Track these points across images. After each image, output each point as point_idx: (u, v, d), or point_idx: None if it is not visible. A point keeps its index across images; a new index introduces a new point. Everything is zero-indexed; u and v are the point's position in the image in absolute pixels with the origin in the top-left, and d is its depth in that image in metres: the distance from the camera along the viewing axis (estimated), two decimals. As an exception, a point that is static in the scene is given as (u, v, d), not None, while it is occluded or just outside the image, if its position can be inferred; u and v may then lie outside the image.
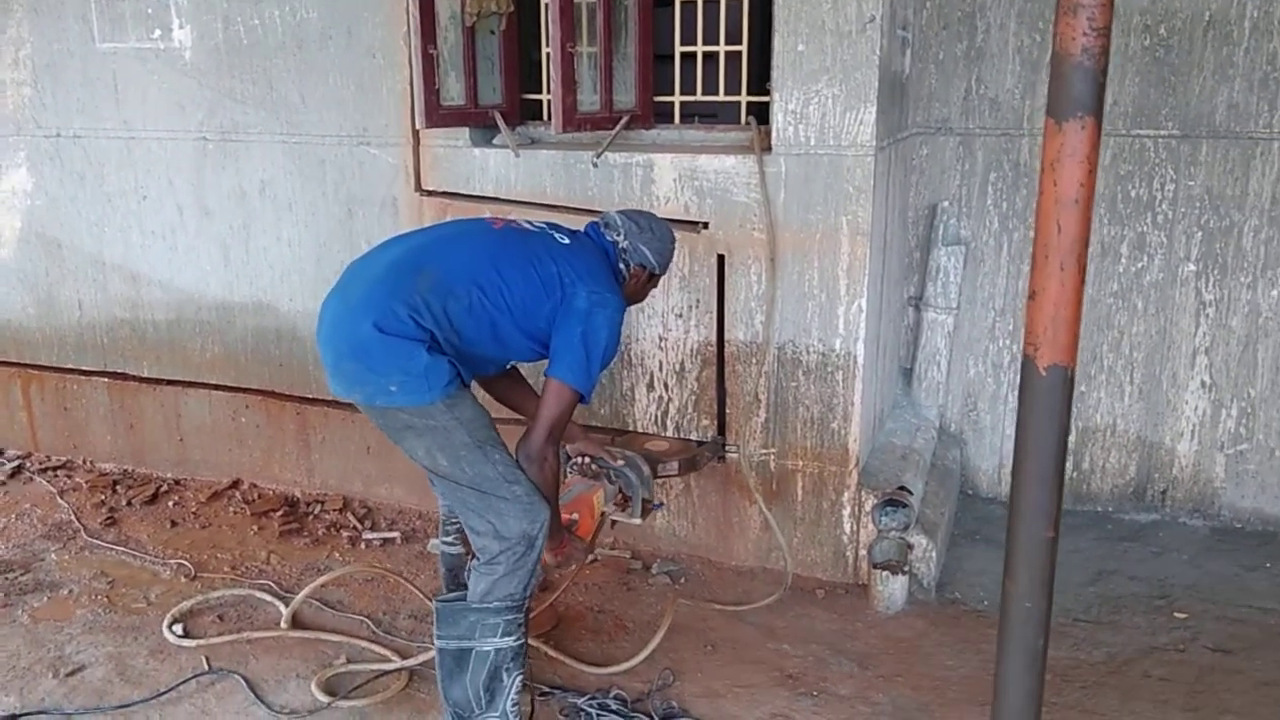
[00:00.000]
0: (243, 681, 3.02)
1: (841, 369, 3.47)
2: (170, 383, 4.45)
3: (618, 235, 2.87)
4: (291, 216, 4.07)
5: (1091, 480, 4.27)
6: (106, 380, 4.56)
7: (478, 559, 2.65)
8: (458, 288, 2.59)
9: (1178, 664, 3.20)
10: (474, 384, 2.87)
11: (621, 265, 2.89)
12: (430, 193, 3.84)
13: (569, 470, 3.26)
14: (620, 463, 3.22)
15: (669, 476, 3.60)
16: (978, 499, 4.40)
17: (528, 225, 2.84)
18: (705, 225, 3.49)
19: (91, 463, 4.63)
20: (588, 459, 3.22)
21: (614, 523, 3.54)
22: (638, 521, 3.29)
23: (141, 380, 4.50)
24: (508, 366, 2.91)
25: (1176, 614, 3.50)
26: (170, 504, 4.24)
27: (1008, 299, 4.20)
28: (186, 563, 3.72)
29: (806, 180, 3.34)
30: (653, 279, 2.98)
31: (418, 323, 2.52)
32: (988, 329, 4.25)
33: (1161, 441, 4.16)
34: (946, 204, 4.14)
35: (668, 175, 3.49)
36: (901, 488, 3.56)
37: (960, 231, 4.19)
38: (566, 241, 2.80)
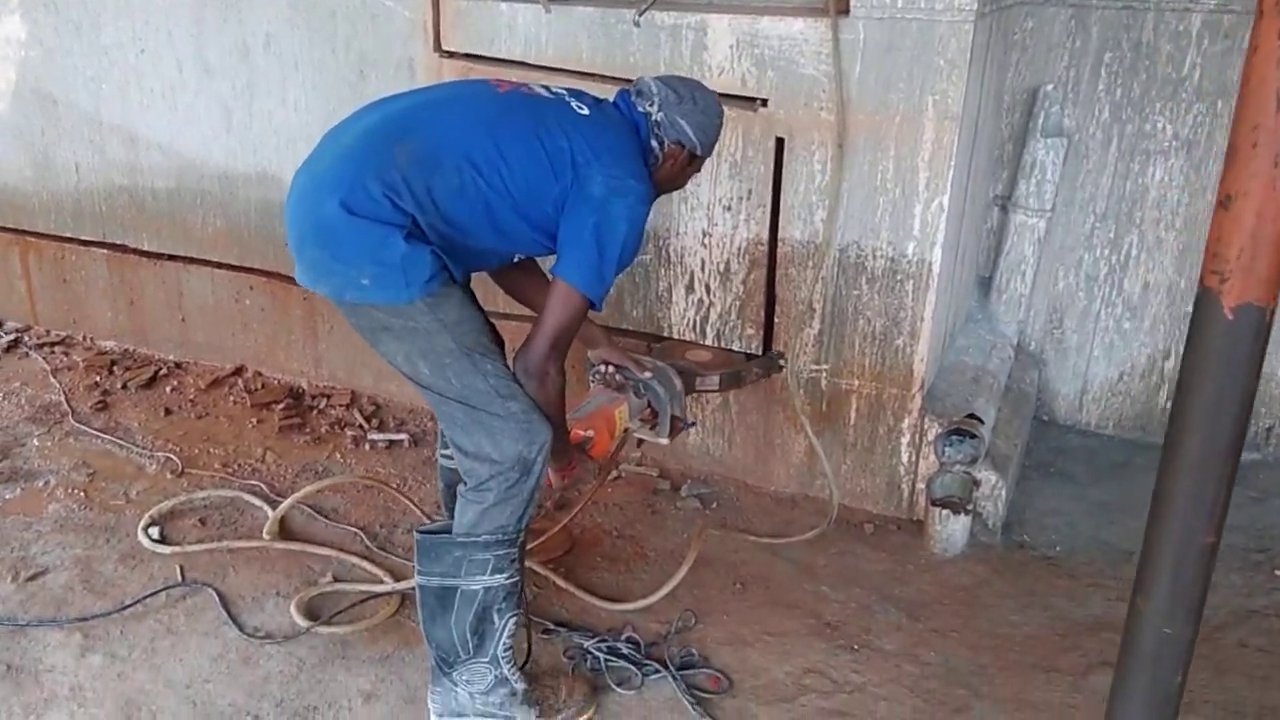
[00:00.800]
0: (216, 597, 2.73)
1: (913, 278, 2.98)
2: (171, 258, 4.09)
3: (650, 105, 2.38)
4: (298, 77, 3.61)
5: (1188, 414, 3.75)
6: (106, 252, 4.22)
7: (465, 484, 2.27)
8: (445, 162, 2.15)
9: (1278, 632, 2.76)
10: (479, 276, 2.45)
11: (654, 143, 2.41)
12: (451, 54, 3.35)
13: (591, 379, 2.86)
14: (648, 374, 2.80)
15: (707, 392, 3.18)
16: (1054, 426, 3.92)
17: (541, 90, 2.37)
18: (764, 102, 2.98)
19: (91, 339, 4.33)
20: (612, 368, 2.81)
21: (640, 441, 3.15)
22: (665, 442, 2.88)
23: (141, 254, 4.15)
24: (514, 260, 2.48)
25: (1277, 571, 3.04)
26: (168, 389, 3.93)
27: (1111, 201, 3.63)
28: (175, 456, 3.42)
29: (889, 50, 2.79)
30: (694, 161, 2.49)
31: (395, 204, 2.11)
32: (1084, 236, 3.70)
33: (1273, 373, 3.62)
34: (1050, 88, 3.54)
35: (723, 40, 2.96)
36: (971, 415, 3.10)
37: (1063, 121, 3.60)
38: (586, 112, 2.32)
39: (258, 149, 3.78)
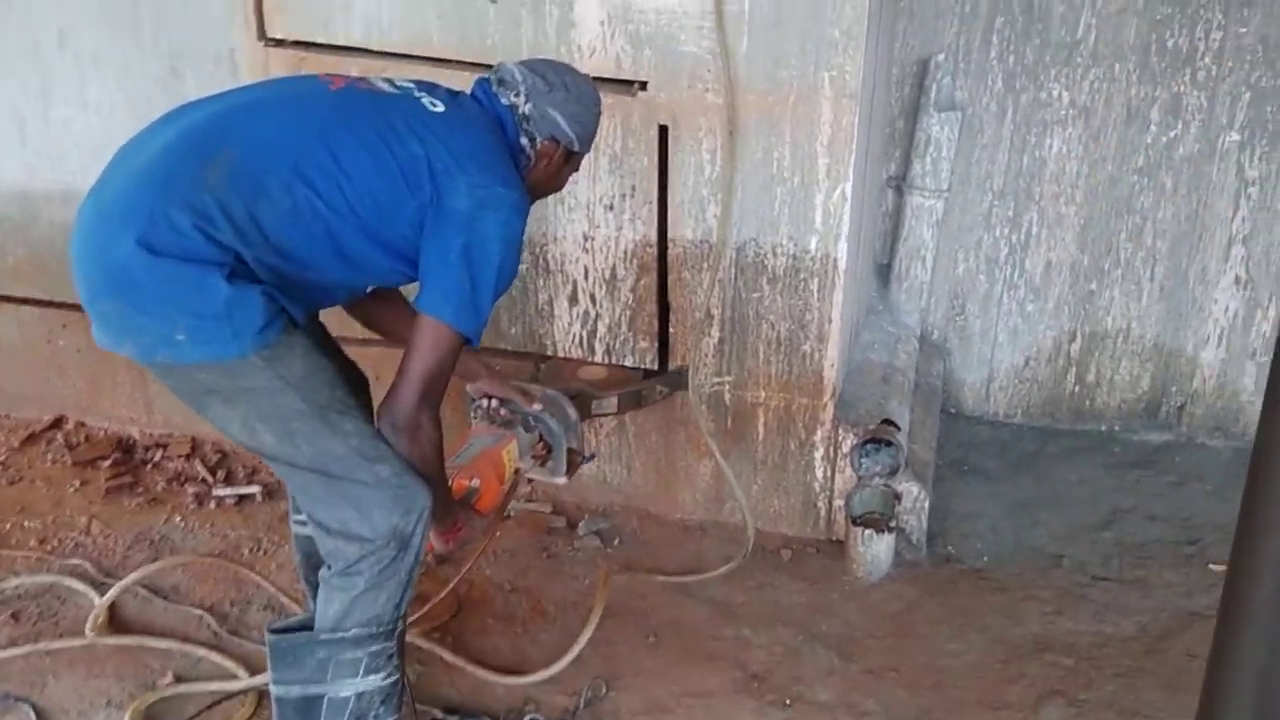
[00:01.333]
0: (32, 714, 2.25)
1: (817, 276, 2.70)
2: (-35, 294, 3.51)
3: (516, 96, 2.03)
4: (99, 76, 3.09)
5: (1097, 395, 3.61)
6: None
7: (328, 568, 1.88)
8: (270, 180, 1.77)
9: (1225, 635, 2.61)
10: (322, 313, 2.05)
11: (524, 140, 2.05)
12: (278, 42, 2.89)
13: (473, 415, 2.49)
14: (537, 406, 2.44)
15: (605, 416, 2.84)
16: (962, 418, 3.73)
17: (384, 85, 1.99)
18: (643, 85, 2.64)
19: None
20: (495, 402, 2.44)
21: (530, 480, 2.79)
22: (562, 481, 2.53)
23: (-71, 288, 3.55)
24: (367, 291, 2.09)
25: (1211, 565, 2.90)
26: (-27, 450, 3.36)
27: (1009, 177, 3.43)
28: (-22, 534, 2.89)
29: (778, 22, 2.48)
30: (571, 158, 2.15)
31: (209, 236, 1.71)
32: (983, 215, 3.50)
33: (1182, 349, 3.50)
34: (941, 58, 3.31)
35: (593, 16, 2.60)
36: (886, 421, 2.85)
37: (956, 94, 3.38)
38: (440, 108, 1.95)
39: (58, 162, 3.23)
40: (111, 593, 2.55)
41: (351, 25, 2.78)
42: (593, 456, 2.73)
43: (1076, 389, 3.62)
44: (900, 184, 3.49)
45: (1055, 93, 3.31)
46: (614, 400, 2.79)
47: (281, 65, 2.87)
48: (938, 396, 3.47)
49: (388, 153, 1.84)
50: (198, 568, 2.75)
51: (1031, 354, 3.60)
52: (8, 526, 2.95)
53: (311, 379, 1.84)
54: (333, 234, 1.83)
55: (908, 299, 3.55)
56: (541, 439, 2.48)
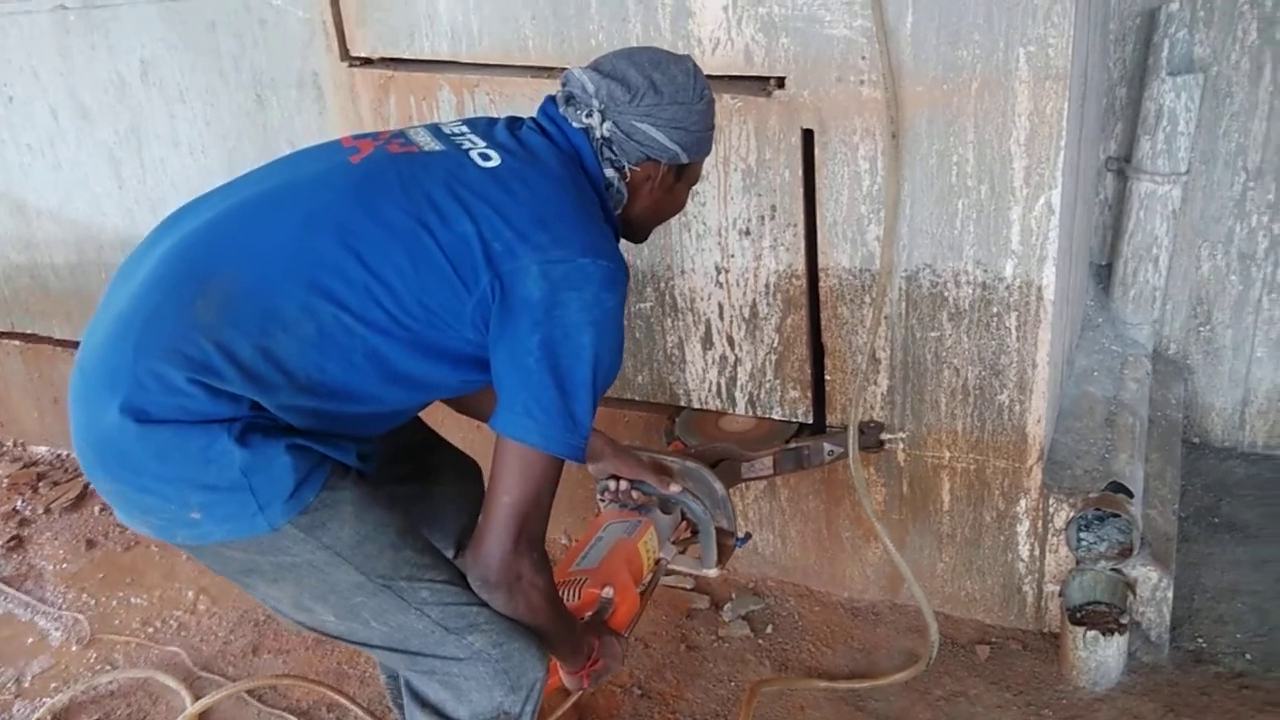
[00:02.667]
0: None
1: (1015, 309, 2.10)
2: (87, 344, 3.38)
3: (589, 117, 1.55)
4: (186, 111, 2.83)
5: (1396, 422, 2.81)
6: (18, 343, 3.52)
7: None
8: (283, 304, 1.38)
9: None
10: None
11: (610, 172, 1.59)
12: (364, 61, 2.53)
13: (600, 499, 2.05)
14: (675, 487, 1.98)
15: (759, 479, 2.35)
16: (1208, 450, 3.00)
17: (423, 140, 1.55)
18: (780, 82, 2.10)
19: (22, 445, 3.64)
20: (625, 484, 1.99)
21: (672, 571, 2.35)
22: (714, 573, 2.07)
23: (56, 343, 3.45)
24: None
25: None
26: (96, 509, 3.21)
27: (1268, 153, 2.67)
28: (83, 617, 2.70)
29: (952, -11, 1.90)
30: (685, 171, 1.66)
31: (212, 389, 1.35)
32: (1234, 201, 2.75)
33: None
34: (1174, 7, 2.59)
35: (714, 1, 2.08)
36: (1114, 485, 2.22)
37: (1195, 51, 2.65)
38: (495, 161, 1.50)
39: (157, 206, 3.01)
40: (200, 704, 2.28)
41: (438, 36, 2.38)
42: (748, 537, 2.24)
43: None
44: (1124, 167, 2.79)
45: (1334, 39, 2.53)
46: (769, 461, 2.29)
47: (369, 87, 2.52)
48: (1178, 434, 2.77)
49: (430, 239, 1.41)
50: (299, 652, 2.45)
51: (1302, 372, 2.84)
52: (113, 604, 2.76)
53: (366, 544, 1.46)
54: (378, 356, 1.43)
55: (1136, 309, 2.85)
56: (685, 518, 2.04)
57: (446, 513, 1.90)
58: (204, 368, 1.34)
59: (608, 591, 1.76)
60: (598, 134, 1.56)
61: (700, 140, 1.63)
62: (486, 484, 1.50)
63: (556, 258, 1.43)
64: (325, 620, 1.50)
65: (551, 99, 1.62)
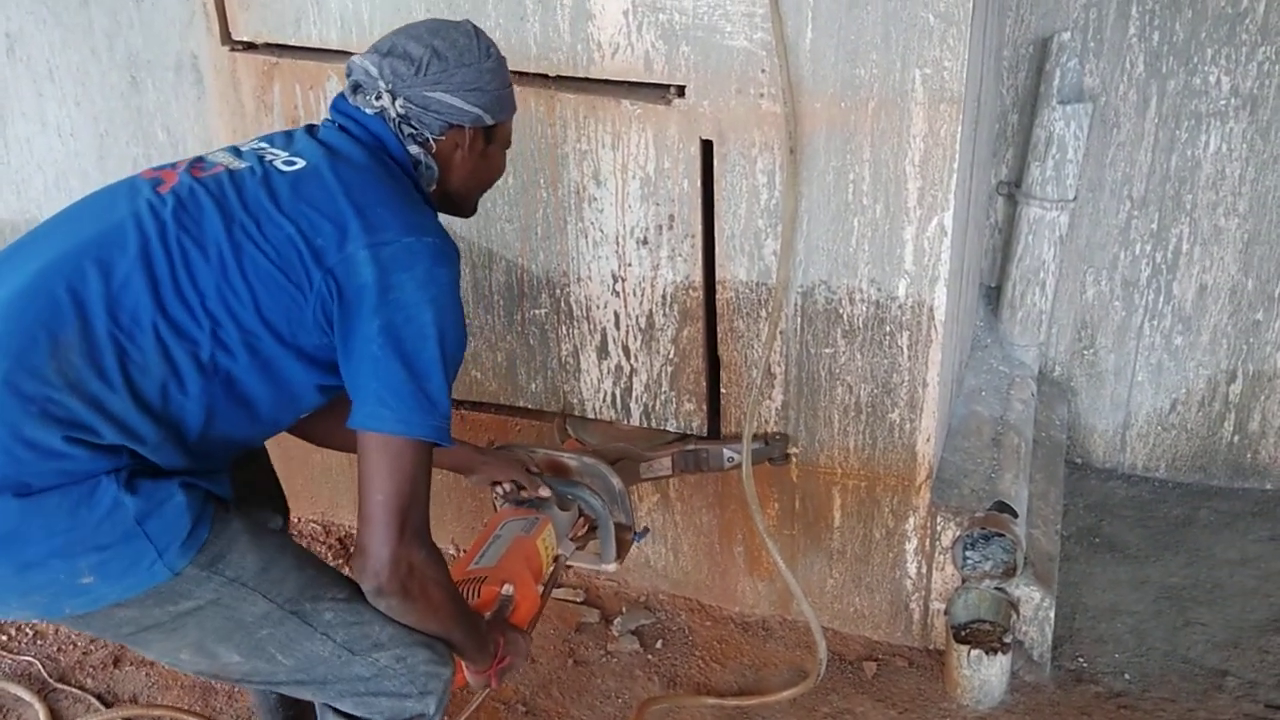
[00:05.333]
0: None
1: (908, 329, 2.10)
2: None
3: (379, 99, 1.54)
4: (55, 89, 2.65)
5: (1261, 447, 2.92)
6: None
7: None
8: (133, 350, 1.35)
9: None
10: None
11: (415, 149, 1.57)
12: (246, 45, 2.41)
13: (495, 499, 2.01)
14: (545, 491, 1.96)
15: (657, 479, 2.33)
16: (1090, 470, 3.08)
17: (226, 160, 1.51)
18: (680, 91, 2.07)
19: None
20: (508, 485, 1.97)
21: (570, 567, 2.31)
22: (612, 567, 2.09)
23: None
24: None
25: None
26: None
27: (1152, 182, 2.76)
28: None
29: (853, 5, 1.88)
30: (494, 133, 1.65)
31: (91, 445, 1.31)
32: (1119, 229, 2.83)
33: None
34: (1066, 37, 2.65)
35: (614, 4, 2.04)
36: (999, 504, 2.25)
37: (1085, 80, 2.72)
38: (300, 164, 1.48)
39: (22, 189, 2.83)
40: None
41: (326, 24, 2.28)
42: (646, 532, 2.24)
43: (1236, 439, 2.93)
44: (1014, 191, 2.85)
45: (1213, 78, 2.62)
46: (667, 462, 2.28)
47: (251, 74, 2.40)
48: (1061, 454, 2.83)
49: (255, 250, 1.39)
50: (161, 678, 2.31)
51: (1179, 396, 2.93)
52: (-40, 616, 2.56)
53: (271, 569, 1.43)
54: (237, 384, 1.41)
55: (1023, 330, 2.91)
56: (582, 515, 2.01)
57: (263, 494, 1.86)
58: (78, 425, 1.30)
59: (508, 589, 1.73)
60: (392, 114, 1.54)
61: (498, 99, 1.62)
62: (358, 488, 1.43)
63: (382, 240, 1.42)
64: (230, 663, 1.45)
65: (341, 95, 1.60)
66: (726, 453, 2.27)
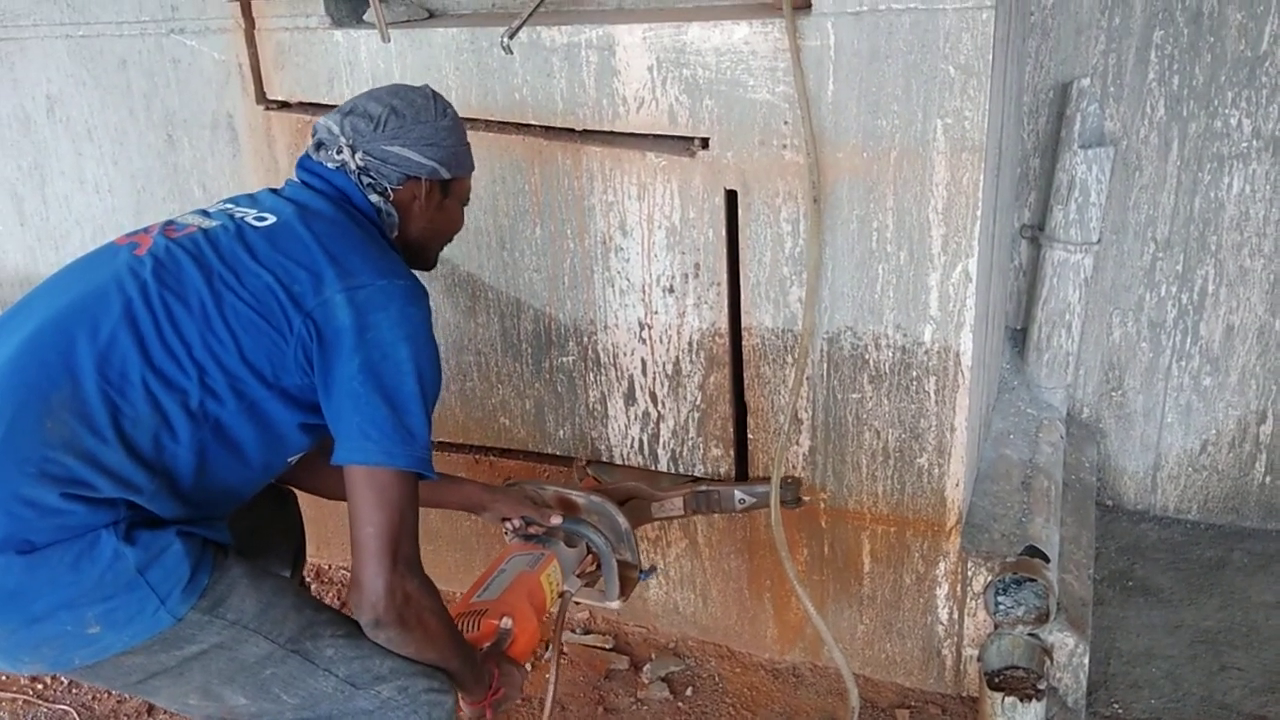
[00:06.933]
0: None
1: (934, 374, 2.11)
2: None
3: (340, 154, 1.63)
4: (94, 149, 2.73)
5: (1295, 487, 2.90)
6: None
7: None
8: (125, 406, 1.40)
9: None
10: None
11: (375, 198, 1.64)
12: (281, 104, 2.47)
13: (506, 534, 2.05)
14: (556, 519, 2.04)
15: (669, 519, 2.34)
16: (1121, 513, 3.05)
17: (197, 221, 1.59)
18: (704, 143, 2.10)
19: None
20: (518, 521, 2.03)
21: (578, 603, 2.31)
22: (616, 605, 2.09)
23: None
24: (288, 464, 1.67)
25: None
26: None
27: (1176, 225, 2.77)
28: (-41, 679, 2.54)
29: (873, 59, 1.92)
30: (450, 186, 1.73)
31: (89, 500, 1.35)
32: (1144, 271, 2.83)
33: None
34: (1086, 83, 2.67)
35: (639, 60, 2.08)
36: (1031, 549, 2.24)
37: (1105, 125, 2.74)
38: (270, 220, 1.56)
39: (61, 245, 2.90)
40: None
41: (359, 83, 2.34)
42: (653, 570, 2.24)
43: (1268, 480, 2.91)
44: (1037, 235, 2.86)
45: (1234, 120, 2.63)
46: (679, 501, 2.29)
47: (286, 131, 2.46)
48: (1092, 497, 2.81)
49: (235, 300, 1.46)
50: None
51: (1209, 437, 2.91)
52: None
53: (271, 610, 1.47)
54: (225, 429, 1.46)
55: (1050, 373, 2.90)
56: (590, 552, 2.04)
57: (276, 541, 1.93)
58: (75, 481, 1.34)
59: (506, 622, 1.76)
60: (352, 166, 1.62)
61: (454, 154, 1.70)
62: (350, 524, 1.48)
63: (356, 284, 1.49)
64: (236, 705, 1.48)
65: (306, 154, 1.68)
66: (738, 494, 2.29)
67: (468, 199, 1.82)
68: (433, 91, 1.72)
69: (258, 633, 1.44)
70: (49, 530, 1.33)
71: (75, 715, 2.40)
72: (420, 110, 1.66)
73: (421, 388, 1.49)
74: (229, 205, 1.63)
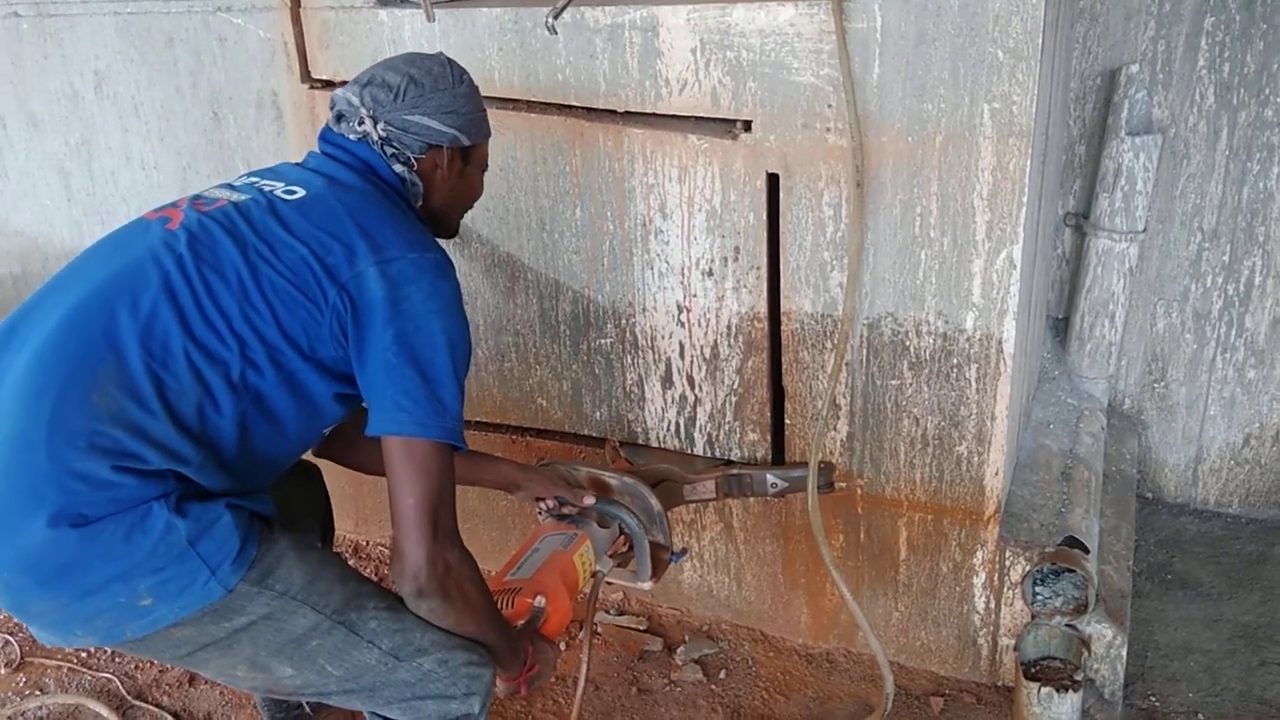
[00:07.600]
0: None
1: (976, 361, 2.09)
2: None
3: (362, 125, 1.64)
4: (140, 125, 2.76)
5: (1341, 483, 2.85)
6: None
7: None
8: (168, 377, 1.41)
9: None
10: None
11: (399, 169, 1.66)
12: (326, 83, 2.49)
13: (539, 515, 2.07)
14: (589, 499, 2.06)
15: (701, 502, 2.35)
16: (1161, 505, 3.02)
17: (225, 194, 1.59)
18: (746, 126, 2.10)
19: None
20: (552, 501, 2.05)
21: (610, 583, 2.32)
22: (648, 585, 2.10)
23: None
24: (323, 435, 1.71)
25: None
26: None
27: (1224, 214, 2.72)
28: (12, 639, 2.60)
29: (920, 42, 1.90)
30: (471, 154, 1.75)
31: (140, 472, 1.37)
32: (1189, 261, 2.79)
33: None
34: (1134, 69, 2.63)
35: (682, 42, 2.08)
36: (1070, 540, 2.22)
37: (1153, 112, 2.69)
38: (300, 192, 1.57)
39: (106, 220, 2.94)
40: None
41: (402, 61, 2.34)
42: (684, 552, 2.25)
43: (1313, 475, 2.86)
44: (1082, 223, 2.83)
45: (1289, 105, 2.59)
46: (711, 485, 2.30)
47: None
48: (1132, 489, 2.78)
49: (270, 271, 1.47)
50: (234, 696, 2.36)
51: (1253, 430, 2.87)
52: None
53: (318, 582, 1.50)
54: (265, 399, 1.48)
55: (1092, 363, 2.87)
56: (622, 533, 2.06)
57: (303, 516, 1.96)
58: (125, 454, 1.36)
59: (540, 600, 1.79)
60: (375, 137, 1.63)
61: (473, 121, 1.71)
62: (389, 496, 1.51)
63: (388, 257, 1.50)
64: (283, 676, 1.50)
65: (327, 126, 1.69)
66: (770, 478, 2.29)
67: (486, 165, 1.83)
68: (447, 59, 1.73)
69: (305, 604, 1.47)
70: (102, 503, 1.34)
71: (119, 684, 2.44)
72: (438, 78, 1.67)
73: (453, 360, 1.51)
74: (254, 179, 1.65)
